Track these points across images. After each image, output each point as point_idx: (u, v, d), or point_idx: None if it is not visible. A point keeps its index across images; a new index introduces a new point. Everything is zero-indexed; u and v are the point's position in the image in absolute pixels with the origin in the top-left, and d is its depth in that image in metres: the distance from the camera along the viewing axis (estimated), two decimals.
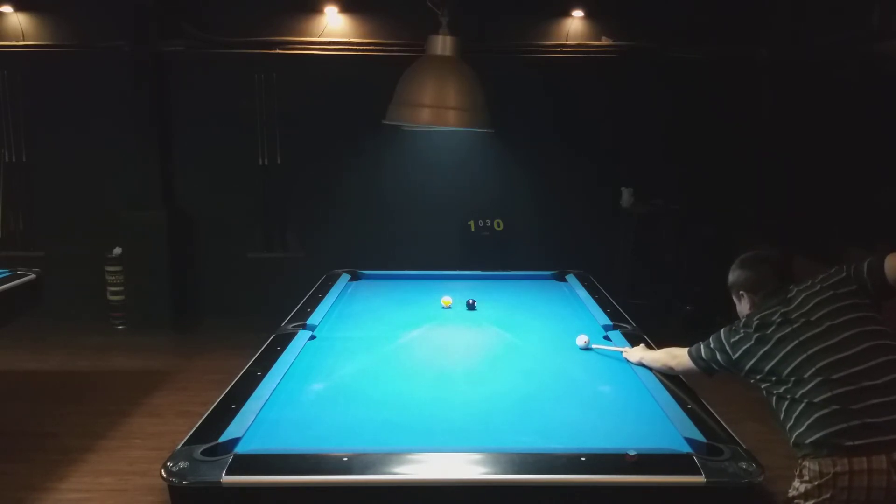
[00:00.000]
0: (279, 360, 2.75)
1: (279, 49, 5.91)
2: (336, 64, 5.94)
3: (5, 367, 5.09)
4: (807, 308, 2.10)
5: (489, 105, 4.39)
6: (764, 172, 5.99)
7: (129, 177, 5.99)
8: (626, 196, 6.08)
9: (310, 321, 3.32)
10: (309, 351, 2.97)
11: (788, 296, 2.18)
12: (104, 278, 6.04)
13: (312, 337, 3.14)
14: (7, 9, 5.84)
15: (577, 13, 5.91)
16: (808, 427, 1.96)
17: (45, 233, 6.16)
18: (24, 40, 5.90)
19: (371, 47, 5.92)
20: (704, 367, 2.35)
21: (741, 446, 1.98)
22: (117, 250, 6.03)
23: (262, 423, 2.21)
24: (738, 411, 4.26)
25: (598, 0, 5.89)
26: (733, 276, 2.38)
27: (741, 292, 2.36)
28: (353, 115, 5.92)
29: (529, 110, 6.03)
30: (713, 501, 1.84)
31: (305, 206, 6.25)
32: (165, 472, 1.83)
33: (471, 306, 3.60)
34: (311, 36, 5.96)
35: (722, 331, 2.29)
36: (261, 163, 6.17)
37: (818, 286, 2.15)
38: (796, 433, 2.00)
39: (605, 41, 5.94)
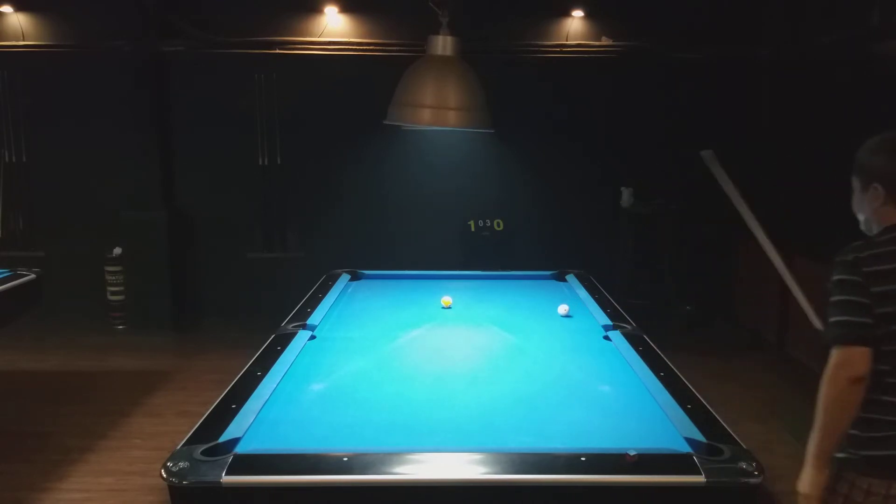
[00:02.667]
0: (279, 360, 2.75)
1: (279, 49, 5.91)
2: (336, 64, 5.94)
3: (5, 367, 5.09)
4: None
5: (489, 105, 4.39)
6: (764, 172, 5.99)
7: (129, 177, 5.99)
8: (626, 196, 6.08)
9: (310, 321, 3.32)
10: (309, 351, 2.97)
11: None
12: (104, 278, 6.04)
13: (312, 337, 3.14)
14: (7, 9, 5.84)
15: (577, 13, 5.91)
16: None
17: (45, 233, 6.16)
18: (24, 40, 5.90)
19: (371, 47, 5.92)
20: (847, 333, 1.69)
21: (741, 446, 1.98)
22: (117, 250, 6.03)
23: (262, 423, 2.21)
24: (738, 411, 4.27)
25: (598, 0, 5.89)
26: (871, 157, 1.79)
27: (876, 185, 1.77)
28: (353, 115, 5.92)
29: (529, 110, 6.03)
30: (713, 501, 1.84)
31: (305, 207, 6.25)
32: (165, 472, 1.84)
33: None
34: (311, 36, 5.96)
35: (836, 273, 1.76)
36: (261, 163, 6.17)
37: None
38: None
39: (605, 41, 5.94)
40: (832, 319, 1.72)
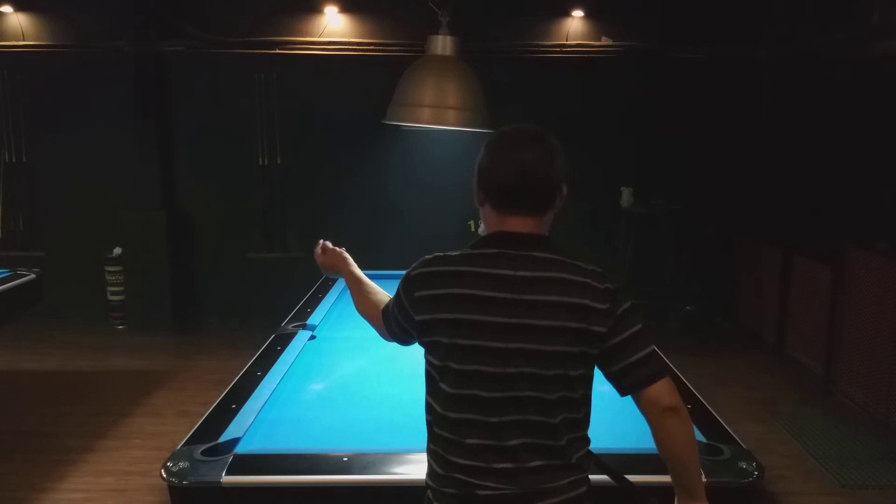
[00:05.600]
0: (279, 360, 2.76)
1: (279, 49, 5.91)
2: (336, 64, 5.94)
3: (5, 367, 5.09)
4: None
5: (489, 105, 4.39)
6: (763, 172, 5.99)
7: (129, 177, 5.99)
8: (626, 196, 6.08)
9: (310, 321, 3.32)
10: (309, 351, 2.97)
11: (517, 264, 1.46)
12: (104, 278, 6.04)
13: (312, 337, 3.14)
14: (7, 9, 5.84)
15: (577, 13, 5.91)
16: None
17: (45, 233, 6.16)
18: (24, 40, 5.90)
19: (371, 47, 5.92)
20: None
21: (741, 446, 1.98)
22: (117, 250, 6.03)
23: (262, 423, 2.21)
24: (737, 411, 4.28)
25: (598, 0, 5.89)
26: (480, 153, 1.63)
27: (475, 179, 1.63)
28: (352, 115, 5.92)
29: (529, 110, 6.02)
30: (713, 501, 1.84)
31: (305, 207, 6.24)
32: (165, 472, 1.84)
33: None
34: (311, 36, 5.96)
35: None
36: (261, 163, 6.17)
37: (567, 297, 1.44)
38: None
39: (605, 41, 5.94)
40: (389, 306, 1.68)
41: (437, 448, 1.52)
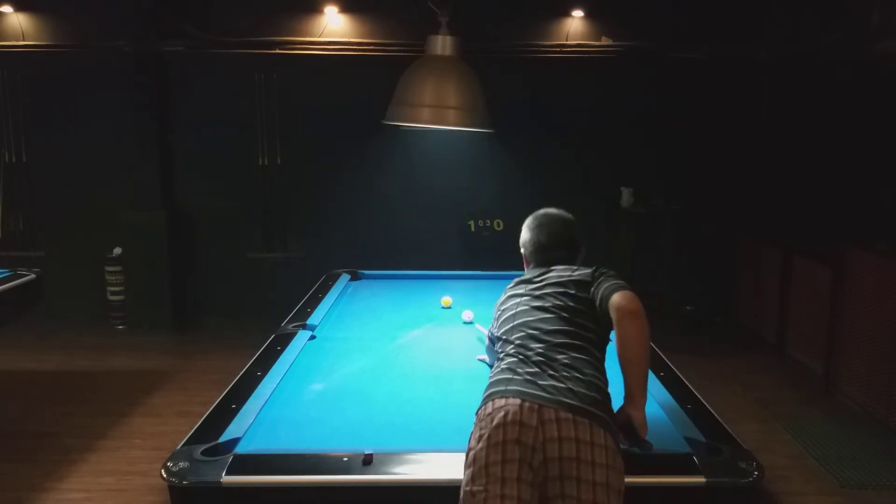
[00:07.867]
0: (279, 360, 2.76)
1: (279, 49, 5.91)
2: (336, 64, 5.94)
3: (5, 367, 5.09)
4: (541, 292, 2.19)
5: (489, 105, 4.40)
6: (763, 172, 5.99)
7: (129, 177, 5.99)
8: (626, 196, 6.08)
9: (310, 321, 3.32)
10: (309, 351, 2.97)
11: (542, 275, 2.26)
12: (104, 278, 6.04)
13: (312, 337, 3.14)
14: (7, 9, 5.85)
15: (577, 13, 5.91)
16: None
17: (45, 233, 6.16)
18: (24, 40, 5.90)
19: (371, 47, 5.92)
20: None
21: (741, 446, 1.98)
22: (117, 250, 6.03)
23: (262, 423, 2.21)
24: (737, 411, 4.28)
25: (598, 0, 5.89)
26: (522, 233, 2.54)
27: (521, 248, 2.54)
28: (353, 115, 5.93)
29: (529, 110, 6.03)
30: (713, 501, 1.84)
31: (305, 206, 6.25)
32: (165, 472, 1.84)
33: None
34: (311, 36, 5.96)
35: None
36: (261, 163, 6.17)
37: (566, 276, 2.20)
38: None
39: (605, 41, 5.94)
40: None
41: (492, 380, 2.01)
